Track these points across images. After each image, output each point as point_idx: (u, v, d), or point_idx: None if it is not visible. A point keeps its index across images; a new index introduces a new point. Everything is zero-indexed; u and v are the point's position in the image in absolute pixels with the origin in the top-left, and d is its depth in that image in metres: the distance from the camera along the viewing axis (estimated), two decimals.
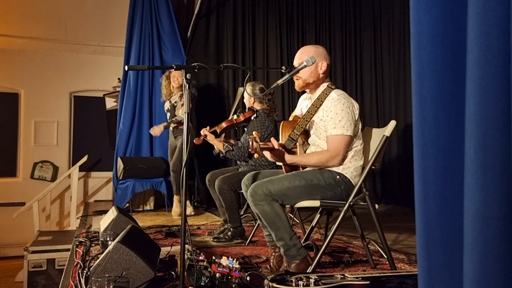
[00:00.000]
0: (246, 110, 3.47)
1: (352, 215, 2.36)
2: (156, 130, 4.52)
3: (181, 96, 4.48)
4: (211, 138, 3.41)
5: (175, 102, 4.52)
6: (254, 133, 2.05)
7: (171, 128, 4.57)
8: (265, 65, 5.88)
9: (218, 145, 3.40)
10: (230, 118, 3.48)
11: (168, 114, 4.61)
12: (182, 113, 4.38)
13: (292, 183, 2.13)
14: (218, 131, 3.47)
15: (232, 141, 3.53)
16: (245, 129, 3.49)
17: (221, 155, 3.45)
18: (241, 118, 3.39)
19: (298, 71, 2.18)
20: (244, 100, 3.56)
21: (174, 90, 4.56)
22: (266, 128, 3.29)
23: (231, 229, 3.22)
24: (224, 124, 3.44)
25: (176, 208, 4.56)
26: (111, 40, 6.24)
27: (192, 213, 4.62)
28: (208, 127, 3.48)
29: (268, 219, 2.13)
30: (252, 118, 3.40)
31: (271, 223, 2.13)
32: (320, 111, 2.21)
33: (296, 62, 2.26)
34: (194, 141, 3.50)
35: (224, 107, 5.68)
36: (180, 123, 4.39)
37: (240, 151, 3.32)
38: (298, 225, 3.21)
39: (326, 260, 2.49)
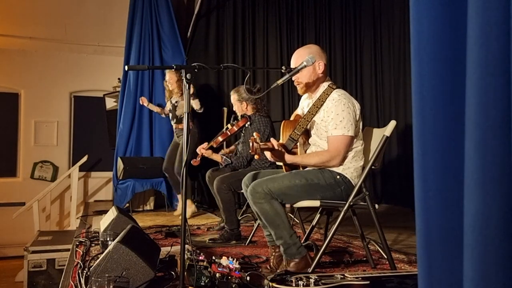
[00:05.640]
0: (239, 118, 3.48)
1: (352, 215, 2.36)
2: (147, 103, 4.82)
3: (181, 96, 4.52)
4: (208, 154, 3.43)
5: (176, 101, 4.57)
6: (254, 134, 2.05)
7: (173, 127, 4.65)
8: (265, 65, 5.88)
9: (217, 158, 3.44)
10: (224, 131, 3.48)
11: (170, 115, 4.68)
12: (182, 112, 4.43)
13: (292, 181, 2.13)
14: (215, 146, 3.48)
15: (232, 148, 3.56)
16: (242, 133, 3.51)
17: (220, 166, 3.47)
18: (235, 128, 3.41)
19: (298, 71, 2.16)
20: (235, 109, 3.57)
21: (173, 91, 4.60)
22: (262, 133, 3.32)
23: (228, 230, 3.23)
24: (220, 138, 3.45)
25: (188, 208, 4.58)
26: (111, 40, 6.24)
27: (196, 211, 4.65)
28: (205, 144, 3.47)
29: (268, 218, 2.13)
30: (247, 125, 3.42)
31: (270, 222, 2.14)
32: (321, 111, 2.20)
33: (292, 65, 2.23)
34: (191, 162, 3.44)
35: (223, 107, 5.67)
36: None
37: (238, 161, 3.37)
38: (298, 225, 3.21)
39: (326, 260, 2.49)
